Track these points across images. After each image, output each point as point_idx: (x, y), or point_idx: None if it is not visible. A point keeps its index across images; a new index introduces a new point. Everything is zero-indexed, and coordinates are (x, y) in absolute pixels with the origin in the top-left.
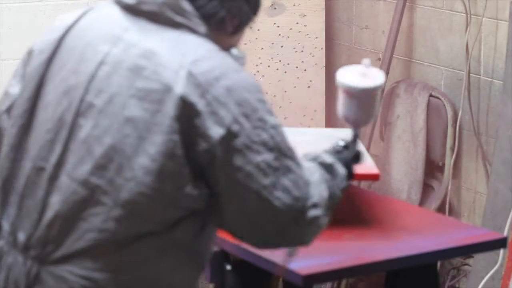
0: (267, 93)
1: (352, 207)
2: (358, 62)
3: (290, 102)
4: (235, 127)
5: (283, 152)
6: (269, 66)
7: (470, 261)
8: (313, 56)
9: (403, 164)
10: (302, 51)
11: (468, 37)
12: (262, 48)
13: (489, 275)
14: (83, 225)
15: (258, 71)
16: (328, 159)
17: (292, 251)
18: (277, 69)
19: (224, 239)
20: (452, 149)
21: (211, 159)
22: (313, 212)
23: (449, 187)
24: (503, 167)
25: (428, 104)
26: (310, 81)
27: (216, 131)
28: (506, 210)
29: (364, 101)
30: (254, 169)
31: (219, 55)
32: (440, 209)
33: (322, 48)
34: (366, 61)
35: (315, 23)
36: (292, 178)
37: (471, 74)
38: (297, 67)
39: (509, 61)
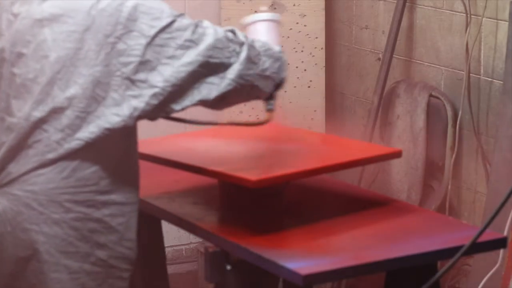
0: None
1: (352, 207)
2: (358, 62)
3: (290, 102)
4: None
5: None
6: None
7: (470, 261)
8: (313, 56)
9: (403, 164)
10: (302, 51)
11: (468, 37)
12: None
13: (489, 275)
14: (28, 152)
15: None
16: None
17: None
18: None
19: (224, 239)
20: (452, 149)
21: None
22: None
23: (449, 187)
24: (503, 167)
25: (428, 104)
26: (310, 81)
27: None
28: (506, 210)
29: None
30: None
31: None
32: (440, 209)
33: (322, 48)
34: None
35: (315, 23)
36: None
37: (471, 74)
38: (297, 67)
39: (509, 61)
